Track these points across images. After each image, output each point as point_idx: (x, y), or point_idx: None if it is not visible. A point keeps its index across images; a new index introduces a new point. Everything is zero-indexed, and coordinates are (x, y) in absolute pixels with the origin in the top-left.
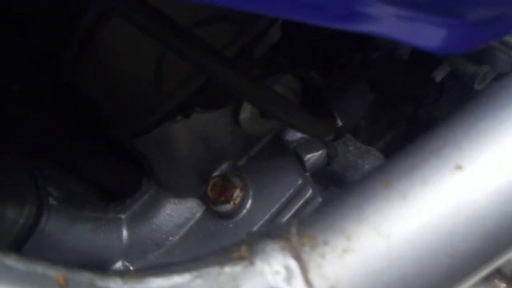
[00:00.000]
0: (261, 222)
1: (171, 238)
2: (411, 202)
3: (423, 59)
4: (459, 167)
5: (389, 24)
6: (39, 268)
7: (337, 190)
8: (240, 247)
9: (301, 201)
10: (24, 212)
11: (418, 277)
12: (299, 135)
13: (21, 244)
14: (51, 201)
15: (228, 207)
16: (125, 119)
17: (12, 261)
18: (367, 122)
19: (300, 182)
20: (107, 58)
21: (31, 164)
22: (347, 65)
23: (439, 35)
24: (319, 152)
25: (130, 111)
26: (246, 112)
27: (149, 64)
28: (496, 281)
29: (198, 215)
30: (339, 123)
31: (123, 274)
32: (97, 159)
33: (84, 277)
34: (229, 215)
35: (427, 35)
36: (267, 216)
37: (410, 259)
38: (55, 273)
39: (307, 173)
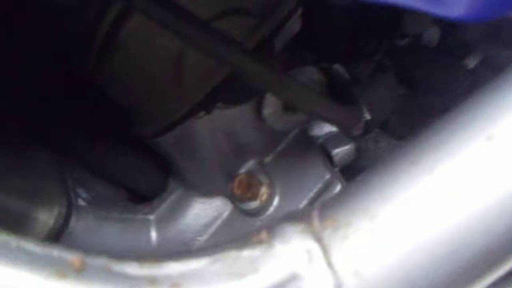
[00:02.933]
0: None
1: (199, 237)
2: (438, 177)
3: (453, 46)
4: (489, 138)
5: None
6: (56, 252)
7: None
8: (260, 231)
9: (329, 196)
10: (54, 213)
11: (451, 255)
12: (326, 129)
13: None
14: (80, 202)
15: (254, 204)
16: (148, 117)
17: (30, 245)
18: (397, 116)
19: (328, 176)
20: (128, 57)
21: (62, 167)
22: (372, 56)
23: (462, 1)
24: (347, 147)
25: (152, 109)
26: (269, 106)
27: (169, 61)
28: None
29: (226, 213)
30: (367, 117)
31: (139, 258)
32: (124, 160)
33: (101, 260)
34: (256, 213)
35: (450, 1)
36: None
37: (440, 239)
38: (72, 257)
39: (336, 168)
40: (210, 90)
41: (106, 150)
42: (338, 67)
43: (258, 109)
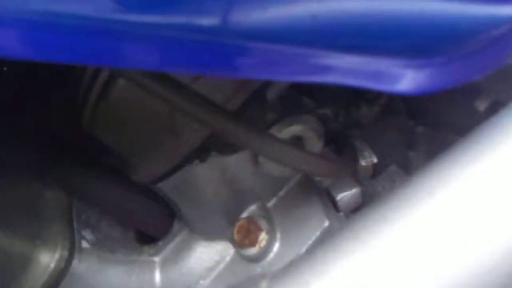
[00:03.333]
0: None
1: (201, 281)
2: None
3: (464, 87)
4: None
5: (345, 72)
6: None
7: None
8: None
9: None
10: (55, 256)
11: None
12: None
13: (53, 287)
14: (84, 244)
15: (253, 250)
16: (145, 165)
17: None
18: (416, 154)
19: (326, 224)
20: (120, 110)
21: (70, 208)
22: (375, 100)
23: (405, 77)
24: (353, 191)
25: (149, 157)
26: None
27: (162, 115)
28: None
29: (228, 258)
30: (374, 160)
31: None
32: (133, 201)
33: None
34: (255, 259)
35: (391, 78)
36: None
37: None
38: None
39: (341, 213)
40: (204, 139)
41: (116, 191)
42: (335, 112)
43: (255, 157)
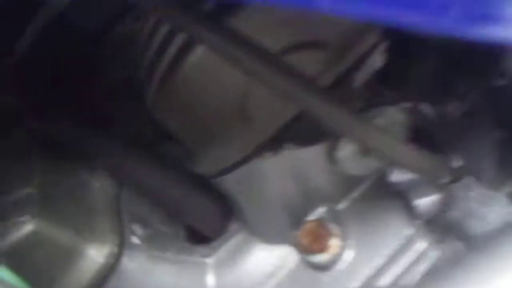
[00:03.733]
0: (363, 278)
1: None
2: None
3: None
4: None
5: None
6: None
7: (457, 243)
8: None
9: (413, 255)
10: (104, 251)
11: None
12: (407, 176)
13: (99, 284)
14: (134, 240)
15: (323, 257)
16: (210, 155)
17: None
18: (492, 164)
19: (411, 232)
20: (189, 92)
21: (119, 199)
22: (465, 95)
23: None
24: (433, 197)
25: (215, 147)
26: (345, 149)
27: (235, 97)
28: None
29: (291, 264)
30: (459, 163)
31: None
32: (188, 195)
33: None
34: (325, 267)
35: None
36: (371, 271)
37: None
38: None
39: (418, 221)
40: (279, 129)
41: (170, 183)
42: (425, 107)
43: (332, 151)
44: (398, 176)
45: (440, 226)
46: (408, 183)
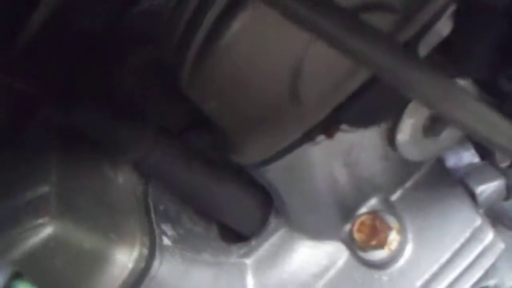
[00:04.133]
0: (426, 276)
1: None
2: None
3: None
4: None
5: None
6: None
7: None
8: None
9: (480, 248)
10: (134, 254)
11: None
12: (466, 159)
13: None
14: (166, 241)
15: (382, 254)
16: (253, 142)
17: None
18: None
19: (479, 222)
20: (231, 67)
21: (146, 197)
22: None
23: None
24: (496, 183)
25: (258, 132)
26: (406, 130)
27: (285, 71)
28: None
29: (341, 262)
30: None
31: None
32: (222, 190)
33: None
34: (382, 265)
35: None
36: (435, 268)
37: None
38: None
39: (481, 210)
40: (334, 109)
41: (201, 177)
42: (501, 80)
43: (391, 134)
44: (455, 160)
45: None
46: (467, 167)
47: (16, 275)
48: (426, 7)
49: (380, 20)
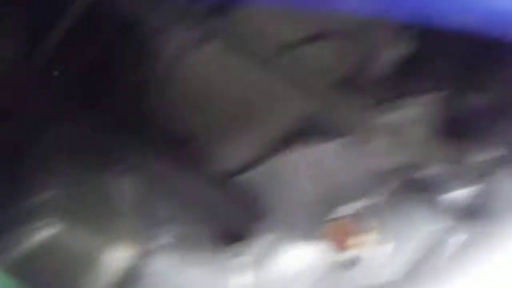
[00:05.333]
0: (403, 271)
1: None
2: None
3: None
4: None
5: None
6: None
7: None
8: None
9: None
10: (129, 253)
11: None
12: (436, 170)
13: None
14: (163, 240)
15: (360, 253)
16: (228, 151)
17: None
18: None
19: (449, 222)
20: (198, 78)
21: (144, 194)
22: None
23: None
24: (469, 188)
25: (236, 139)
26: (374, 142)
27: (256, 84)
28: None
29: (325, 262)
30: (501, 152)
31: None
32: (213, 194)
33: None
34: (359, 263)
35: None
36: (410, 265)
37: None
38: None
39: (458, 212)
40: (304, 120)
41: (197, 181)
42: (467, 93)
43: (365, 141)
44: (434, 168)
45: (477, 218)
46: (442, 173)
47: None
48: (376, 31)
49: (332, 47)
